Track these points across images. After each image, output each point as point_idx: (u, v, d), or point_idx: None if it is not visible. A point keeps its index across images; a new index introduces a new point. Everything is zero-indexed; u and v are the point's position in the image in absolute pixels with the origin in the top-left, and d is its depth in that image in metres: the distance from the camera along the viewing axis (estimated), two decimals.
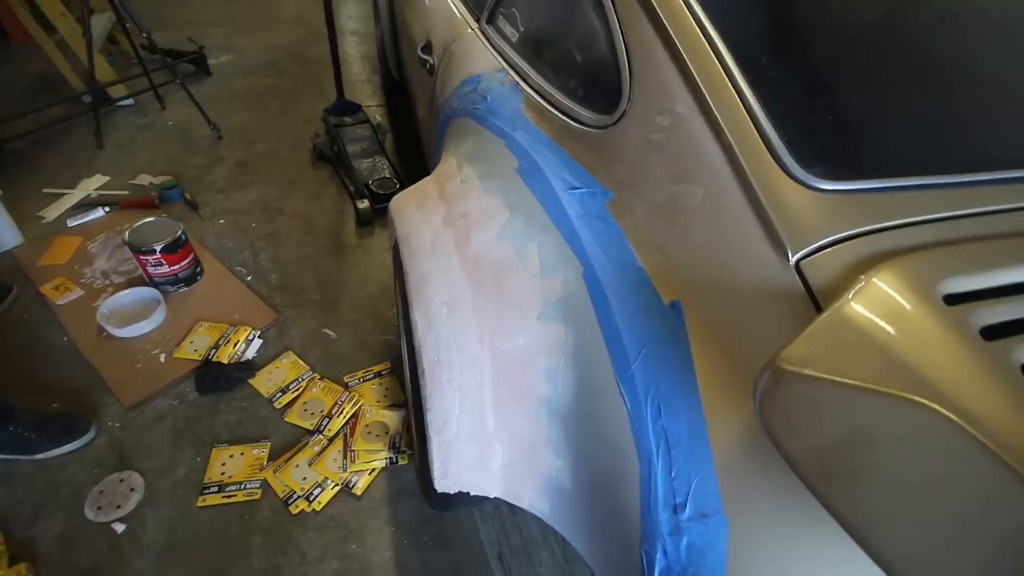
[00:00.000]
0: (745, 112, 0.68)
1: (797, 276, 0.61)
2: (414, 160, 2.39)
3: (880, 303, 0.56)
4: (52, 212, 2.04)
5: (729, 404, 0.62)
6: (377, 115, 2.71)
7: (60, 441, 1.33)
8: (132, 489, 1.28)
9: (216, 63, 3.05)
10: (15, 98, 2.71)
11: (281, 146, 2.47)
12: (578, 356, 0.74)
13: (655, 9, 0.79)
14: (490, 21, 1.25)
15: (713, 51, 0.73)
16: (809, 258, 0.61)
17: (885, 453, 0.47)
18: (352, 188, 2.19)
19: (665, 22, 0.77)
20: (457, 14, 1.41)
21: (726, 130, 0.68)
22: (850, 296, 0.57)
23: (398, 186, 2.14)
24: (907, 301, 0.55)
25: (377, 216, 2.07)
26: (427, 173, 1.88)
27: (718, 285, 0.67)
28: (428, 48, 1.47)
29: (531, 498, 0.79)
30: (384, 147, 2.32)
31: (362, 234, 2.05)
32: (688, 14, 0.76)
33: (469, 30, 1.32)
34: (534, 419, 0.76)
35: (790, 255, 0.61)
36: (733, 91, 0.70)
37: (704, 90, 0.71)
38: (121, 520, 1.24)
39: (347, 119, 2.40)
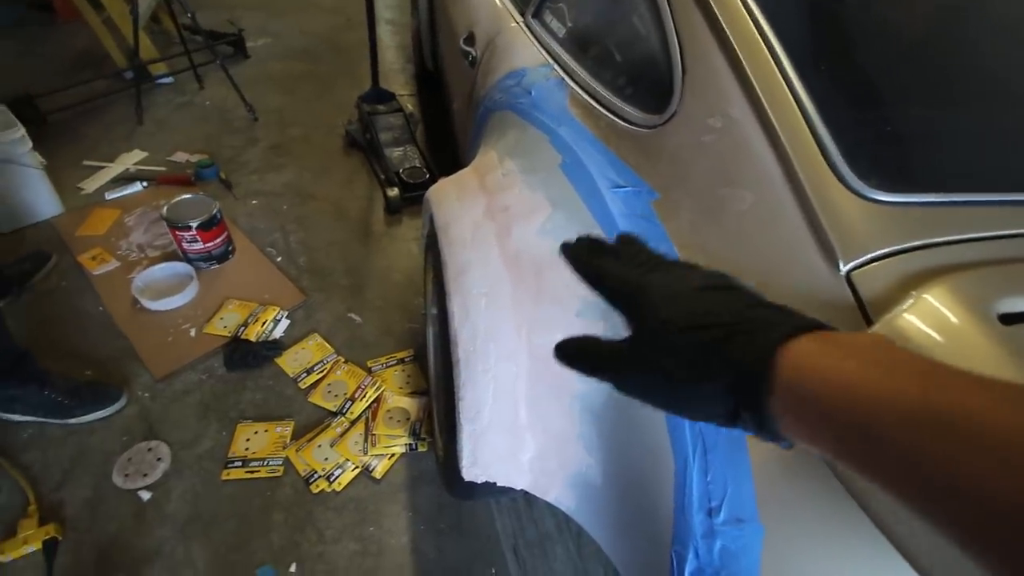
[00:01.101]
0: (802, 118, 0.68)
1: (848, 287, 0.60)
2: (444, 151, 2.40)
3: (933, 318, 0.55)
4: (91, 184, 2.09)
5: None
6: (409, 104, 2.73)
7: (92, 407, 1.37)
8: (159, 459, 1.31)
9: (254, 46, 3.09)
10: (60, 72, 2.77)
11: (315, 131, 2.50)
12: None
13: (712, 9, 0.78)
14: (536, 15, 1.25)
15: (771, 54, 0.72)
16: (861, 269, 0.61)
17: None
18: (382, 176, 2.21)
19: (722, 22, 0.76)
20: (502, 7, 1.41)
21: (781, 136, 0.67)
22: (902, 309, 0.56)
23: (428, 176, 2.15)
24: (960, 318, 0.54)
25: (406, 204, 2.09)
26: (458, 164, 1.89)
27: (765, 291, 0.66)
28: (471, 40, 1.47)
29: (558, 493, 0.80)
30: (415, 137, 2.33)
31: (390, 222, 2.07)
32: (746, 15, 0.75)
33: (514, 23, 1.32)
34: (567, 414, 0.76)
35: (841, 265, 0.61)
36: (790, 96, 0.69)
37: (760, 94, 0.70)
38: (147, 488, 1.27)
39: (381, 107, 2.42)
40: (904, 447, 0.24)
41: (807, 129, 0.67)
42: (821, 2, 0.94)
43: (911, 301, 0.56)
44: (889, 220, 0.63)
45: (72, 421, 1.36)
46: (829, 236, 0.62)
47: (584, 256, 0.41)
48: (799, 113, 0.68)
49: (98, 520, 1.22)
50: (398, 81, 2.93)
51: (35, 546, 1.15)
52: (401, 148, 2.27)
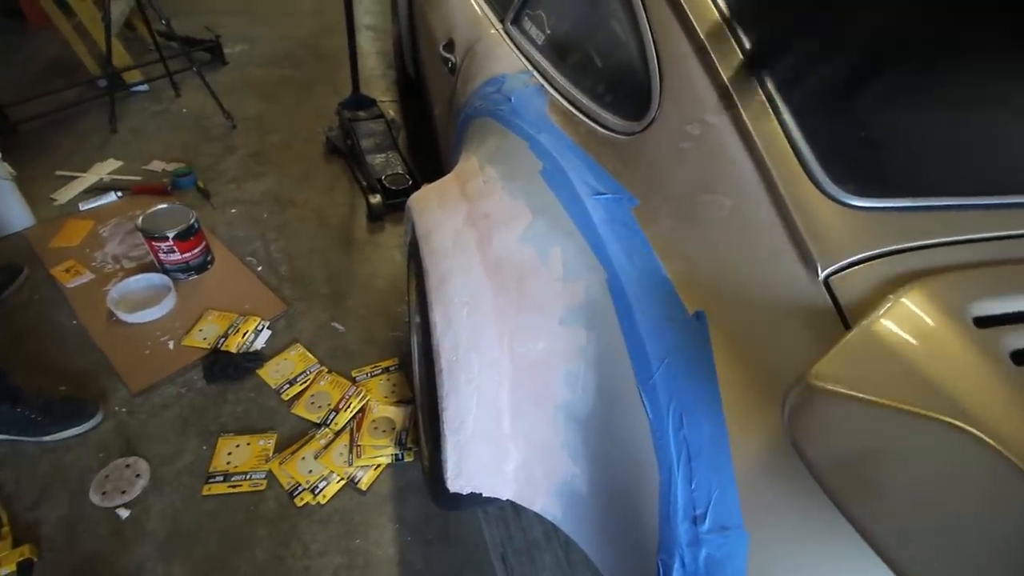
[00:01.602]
0: (778, 124, 0.68)
1: (826, 292, 0.61)
2: (427, 157, 2.39)
3: (909, 322, 0.55)
4: (64, 195, 2.04)
5: (752, 417, 0.62)
6: (391, 111, 2.71)
7: (67, 424, 1.34)
8: (137, 475, 1.28)
9: (232, 52, 3.05)
10: (31, 80, 2.71)
11: (295, 138, 2.47)
12: (599, 362, 0.73)
13: (688, 17, 0.78)
14: (515, 22, 1.25)
15: (746, 60, 0.73)
16: (838, 274, 0.61)
17: (914, 472, 0.47)
18: (364, 183, 2.19)
19: (698, 30, 0.77)
20: (481, 14, 1.41)
21: (758, 142, 0.68)
22: (880, 314, 0.57)
23: (410, 182, 2.14)
24: (936, 321, 0.55)
25: (388, 211, 2.07)
26: (440, 170, 1.89)
27: (744, 297, 0.67)
28: (450, 47, 1.47)
29: (544, 502, 0.79)
30: (397, 143, 2.32)
31: (373, 229, 2.05)
32: (722, 22, 0.76)
33: (493, 30, 1.32)
34: (551, 423, 0.76)
35: (819, 270, 0.61)
36: (766, 102, 0.69)
37: (737, 100, 0.70)
38: (126, 506, 1.24)
39: (361, 114, 2.40)
40: None
41: (783, 135, 0.68)
42: (795, 6, 0.95)
43: (888, 305, 0.57)
44: (866, 225, 0.64)
45: (47, 438, 1.32)
46: (807, 242, 0.62)
47: None
48: (775, 119, 0.69)
49: (75, 539, 1.18)
50: (379, 87, 2.92)
51: (9, 568, 1.12)
52: (383, 155, 2.26)
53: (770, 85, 0.71)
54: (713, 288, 0.70)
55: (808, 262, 0.62)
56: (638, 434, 0.66)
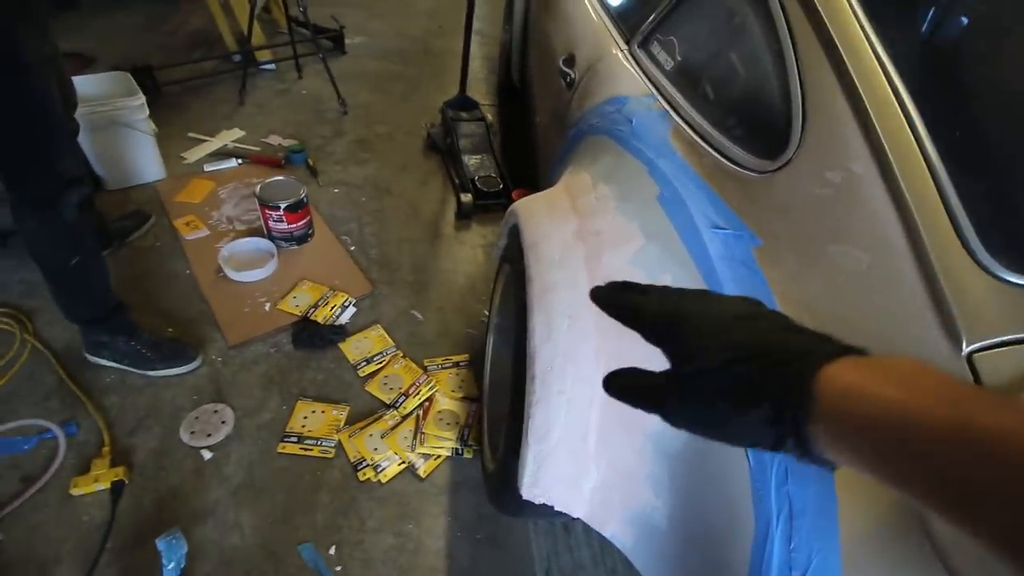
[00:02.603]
0: (932, 182, 0.65)
1: (968, 369, 0.57)
2: (519, 164, 2.43)
3: None
4: (193, 155, 2.23)
5: (866, 487, 0.59)
6: (489, 114, 2.78)
7: (170, 363, 1.46)
8: (223, 422, 1.38)
9: (352, 43, 3.24)
10: (175, 48, 3.00)
11: (398, 130, 2.59)
12: None
13: (843, 58, 0.76)
14: (643, 45, 1.25)
15: (902, 111, 0.69)
16: (984, 352, 0.57)
17: None
18: (457, 181, 2.26)
19: (852, 73, 0.74)
20: (606, 33, 1.42)
21: (908, 198, 0.64)
22: None
23: (501, 186, 2.19)
24: None
25: (477, 211, 2.13)
26: (533, 178, 1.92)
27: None
28: (570, 61, 1.49)
29: (615, 528, 0.78)
30: (493, 146, 2.37)
31: (460, 226, 2.11)
32: (879, 68, 0.73)
33: (617, 51, 1.33)
34: (639, 451, 0.75)
35: (964, 345, 0.57)
36: (921, 158, 0.66)
37: (888, 152, 0.67)
38: (209, 448, 1.33)
39: (463, 114, 2.48)
40: (945, 465, 0.26)
41: (936, 194, 0.64)
42: (960, 61, 0.90)
43: None
44: (1019, 304, 0.59)
45: (151, 373, 1.45)
46: (953, 312, 0.59)
47: (615, 296, 0.42)
48: (929, 176, 0.65)
49: (162, 471, 1.29)
50: (480, 91, 3.00)
51: (104, 485, 1.23)
52: (479, 156, 2.32)
53: (926, 139, 0.67)
54: None
55: (952, 334, 0.58)
56: (735, 480, 0.64)
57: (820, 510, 0.58)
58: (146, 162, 2.05)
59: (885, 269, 0.65)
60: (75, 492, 1.22)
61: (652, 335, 0.39)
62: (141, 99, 1.92)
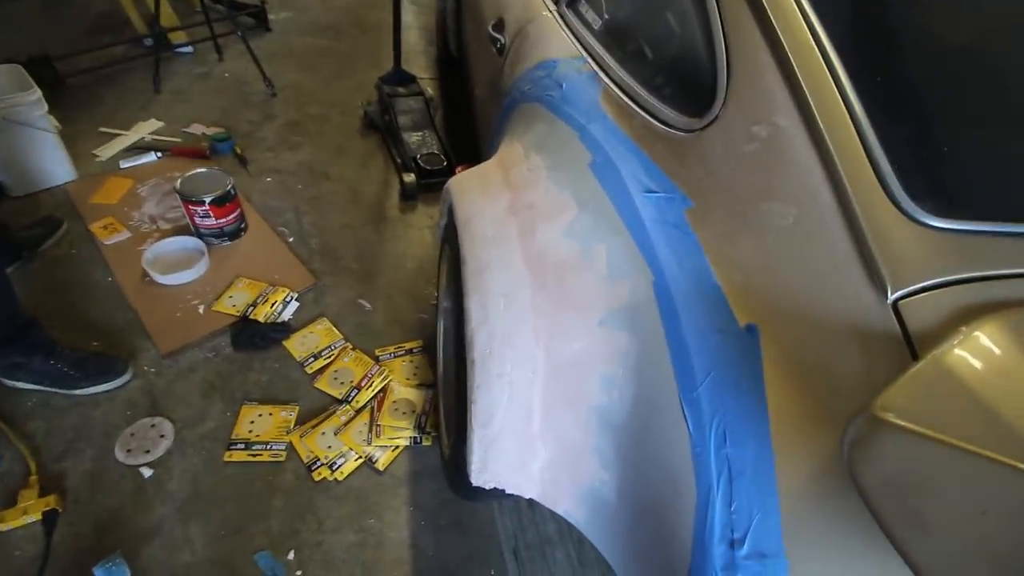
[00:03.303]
0: (855, 132, 0.63)
1: (894, 316, 0.57)
2: (463, 138, 2.36)
3: (985, 356, 0.51)
4: (106, 152, 2.06)
5: (801, 440, 0.59)
6: (429, 88, 2.68)
7: (97, 379, 1.36)
8: (162, 435, 1.30)
9: (276, 19, 3.04)
10: (80, 34, 2.74)
11: (332, 110, 2.46)
12: (639, 369, 0.70)
13: (764, 10, 0.73)
14: (571, 5, 1.20)
15: (825, 62, 0.68)
16: (909, 299, 0.57)
17: (977, 513, 0.44)
18: (399, 160, 2.17)
19: (775, 25, 0.72)
20: None
21: (832, 150, 0.63)
22: (952, 345, 0.53)
23: (445, 163, 2.12)
24: (1013, 357, 0.51)
25: (422, 191, 2.05)
26: (477, 152, 1.86)
27: (802, 314, 0.63)
28: (500, 26, 1.42)
29: (568, 505, 0.77)
30: (434, 122, 2.29)
31: (405, 208, 2.04)
32: (800, 18, 0.71)
33: (546, 12, 1.27)
34: (583, 426, 0.74)
35: (889, 292, 0.57)
36: (844, 108, 0.65)
37: (812, 103, 0.66)
38: (149, 465, 1.26)
39: (401, 90, 2.37)
40: None
41: (860, 144, 0.63)
42: (881, 10, 0.89)
43: (961, 336, 0.53)
44: (943, 248, 0.59)
45: (77, 392, 1.35)
46: (877, 261, 0.58)
47: None
48: (852, 127, 0.64)
49: (99, 494, 1.21)
50: (419, 64, 2.88)
51: (35, 516, 1.15)
52: (420, 133, 2.24)
53: (848, 89, 0.66)
54: (768, 301, 0.66)
55: (877, 283, 0.58)
56: (676, 447, 0.63)
57: (758, 470, 0.58)
58: (52, 163, 1.88)
59: (812, 222, 0.64)
60: (3, 527, 1.13)
61: None
62: (37, 94, 1.74)
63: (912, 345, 0.55)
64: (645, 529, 0.67)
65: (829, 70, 0.67)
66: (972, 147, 0.66)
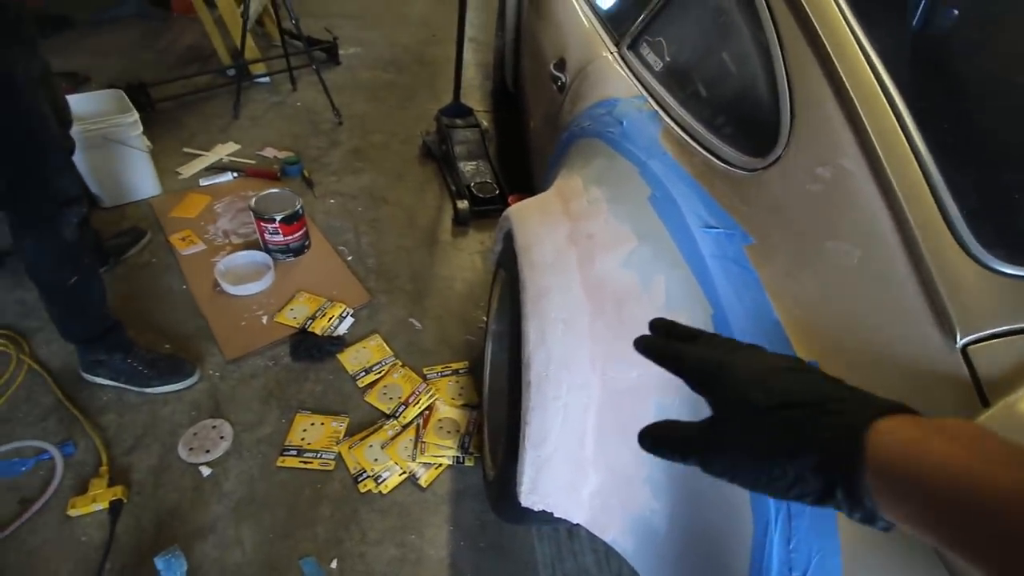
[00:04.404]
0: (921, 176, 0.64)
1: (963, 361, 0.56)
2: (515, 169, 2.43)
3: None
4: (188, 170, 2.24)
5: None
6: (484, 121, 2.79)
7: (168, 380, 1.45)
8: (222, 437, 1.37)
9: (345, 53, 3.25)
10: (170, 64, 3.01)
11: (393, 139, 2.60)
12: (694, 399, 0.71)
13: (828, 55, 0.76)
14: (632, 47, 1.25)
15: (891, 106, 0.69)
16: (979, 344, 0.57)
17: None
18: (454, 187, 2.26)
19: (839, 69, 0.74)
20: (595, 36, 1.43)
21: (899, 193, 0.64)
22: None
23: (497, 192, 2.19)
24: None
25: (474, 217, 2.13)
26: (529, 183, 1.92)
27: (866, 354, 0.63)
28: (561, 65, 1.49)
29: (616, 533, 0.78)
30: (488, 152, 2.38)
31: (457, 233, 2.11)
32: (865, 64, 0.73)
33: (606, 53, 1.33)
34: (636, 454, 0.74)
35: (958, 337, 0.57)
36: (910, 151, 0.66)
37: (877, 147, 0.67)
38: (208, 464, 1.33)
39: (459, 121, 2.48)
40: (1014, 529, 0.25)
41: (927, 187, 0.64)
42: (947, 54, 0.90)
43: None
44: (1013, 295, 0.59)
45: (148, 390, 1.45)
46: (946, 305, 0.58)
47: (660, 343, 0.43)
48: (919, 170, 0.65)
49: (161, 488, 1.28)
50: (475, 97, 3.01)
51: (102, 505, 1.22)
52: (474, 162, 2.32)
53: (914, 133, 0.67)
54: (830, 339, 0.66)
55: (945, 327, 0.58)
56: None
57: (818, 509, 0.57)
58: (141, 179, 2.05)
59: (877, 264, 0.64)
60: (73, 513, 1.21)
61: (697, 382, 0.39)
62: (134, 116, 1.92)
63: (982, 391, 0.55)
64: (696, 562, 0.66)
65: (894, 113, 0.68)
66: None
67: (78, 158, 1.54)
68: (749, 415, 0.35)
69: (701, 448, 0.37)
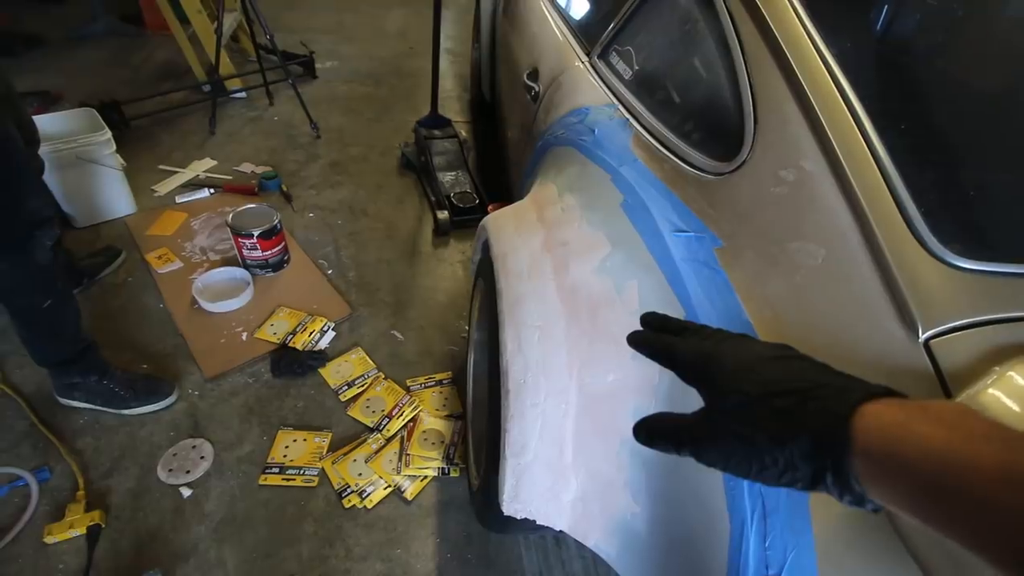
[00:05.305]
0: (880, 176, 0.66)
1: (926, 355, 0.58)
2: (494, 178, 2.45)
3: (1019, 396, 0.52)
4: (164, 187, 2.21)
5: None
6: (463, 131, 2.80)
7: (145, 400, 1.43)
8: (202, 457, 1.35)
9: (322, 67, 3.25)
10: (144, 81, 2.98)
11: (372, 151, 2.60)
12: (671, 402, 0.72)
13: (788, 61, 0.78)
14: (602, 56, 1.28)
15: (848, 108, 0.71)
16: (941, 338, 0.58)
17: None
18: (433, 198, 2.26)
19: (799, 74, 0.76)
20: (567, 46, 1.45)
21: (859, 193, 0.66)
22: (987, 384, 0.54)
23: (477, 201, 2.20)
24: None
25: (454, 227, 2.13)
26: (508, 192, 1.93)
27: (833, 352, 0.64)
28: (534, 75, 1.51)
29: (598, 538, 0.78)
30: (467, 163, 2.39)
31: (437, 243, 2.11)
32: (823, 68, 0.75)
33: (578, 63, 1.35)
34: (615, 458, 0.75)
35: (920, 332, 0.58)
36: (868, 153, 0.68)
37: (837, 149, 0.69)
38: (188, 485, 1.30)
39: (437, 132, 2.49)
40: (998, 507, 0.25)
41: (885, 187, 0.66)
42: (902, 56, 0.93)
43: (995, 376, 0.54)
44: (972, 289, 0.60)
45: (126, 412, 1.42)
46: (908, 301, 0.60)
47: (652, 337, 0.43)
48: (877, 170, 0.67)
49: (140, 512, 1.26)
50: (453, 108, 3.03)
51: (80, 531, 1.19)
52: (453, 173, 2.33)
53: (872, 134, 0.69)
54: (799, 338, 0.67)
55: (908, 322, 0.59)
56: (709, 481, 0.64)
57: (793, 506, 0.58)
58: (115, 197, 2.02)
59: (840, 263, 0.66)
60: (49, 540, 1.18)
61: (688, 374, 0.40)
62: (107, 134, 1.90)
63: (945, 383, 0.56)
64: (677, 563, 0.67)
65: (853, 116, 0.70)
66: (997, 190, 0.68)
67: (50, 179, 1.53)
68: (739, 405, 0.36)
69: (694, 439, 0.37)
